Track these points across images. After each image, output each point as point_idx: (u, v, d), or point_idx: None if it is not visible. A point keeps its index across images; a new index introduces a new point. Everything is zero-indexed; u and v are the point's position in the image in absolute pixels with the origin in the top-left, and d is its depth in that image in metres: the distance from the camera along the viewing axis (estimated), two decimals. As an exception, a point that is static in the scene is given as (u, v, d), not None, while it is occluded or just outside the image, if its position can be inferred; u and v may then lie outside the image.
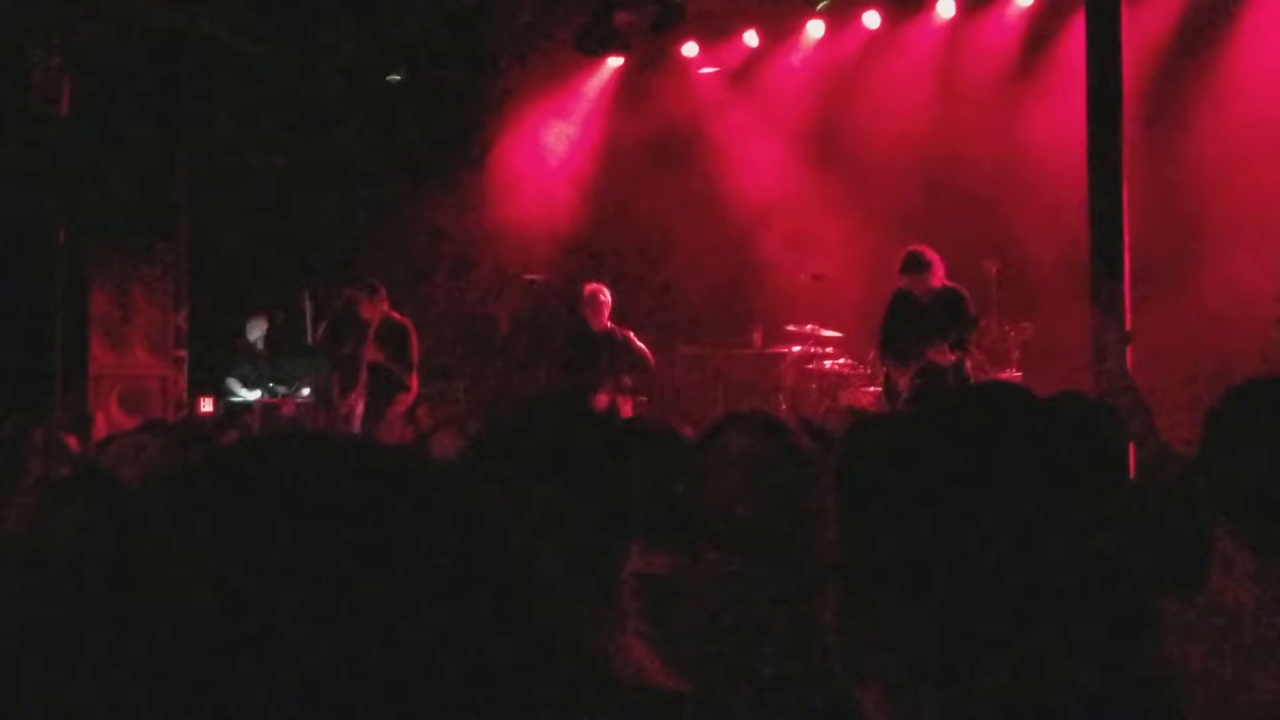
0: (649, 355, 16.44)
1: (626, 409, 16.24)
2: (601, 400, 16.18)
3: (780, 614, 4.07)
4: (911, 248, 14.44)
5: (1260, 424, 3.48)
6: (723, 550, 4.28)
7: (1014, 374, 15.55)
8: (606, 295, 16.43)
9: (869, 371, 16.97)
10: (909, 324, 14.47)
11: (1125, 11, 14.64)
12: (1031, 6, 17.60)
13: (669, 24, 17.51)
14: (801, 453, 4.47)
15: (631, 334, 16.54)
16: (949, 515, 2.01)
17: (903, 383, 14.62)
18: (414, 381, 17.09)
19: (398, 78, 18.83)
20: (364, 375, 16.94)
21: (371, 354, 16.83)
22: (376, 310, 16.97)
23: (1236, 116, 16.04)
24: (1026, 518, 1.98)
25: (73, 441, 11.25)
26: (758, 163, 19.27)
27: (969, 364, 14.89)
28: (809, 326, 17.05)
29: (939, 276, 14.39)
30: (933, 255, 14.37)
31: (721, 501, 4.35)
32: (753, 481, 4.33)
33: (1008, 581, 1.97)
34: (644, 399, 16.81)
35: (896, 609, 2.04)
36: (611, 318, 16.46)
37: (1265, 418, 3.49)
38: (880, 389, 16.48)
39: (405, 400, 17.06)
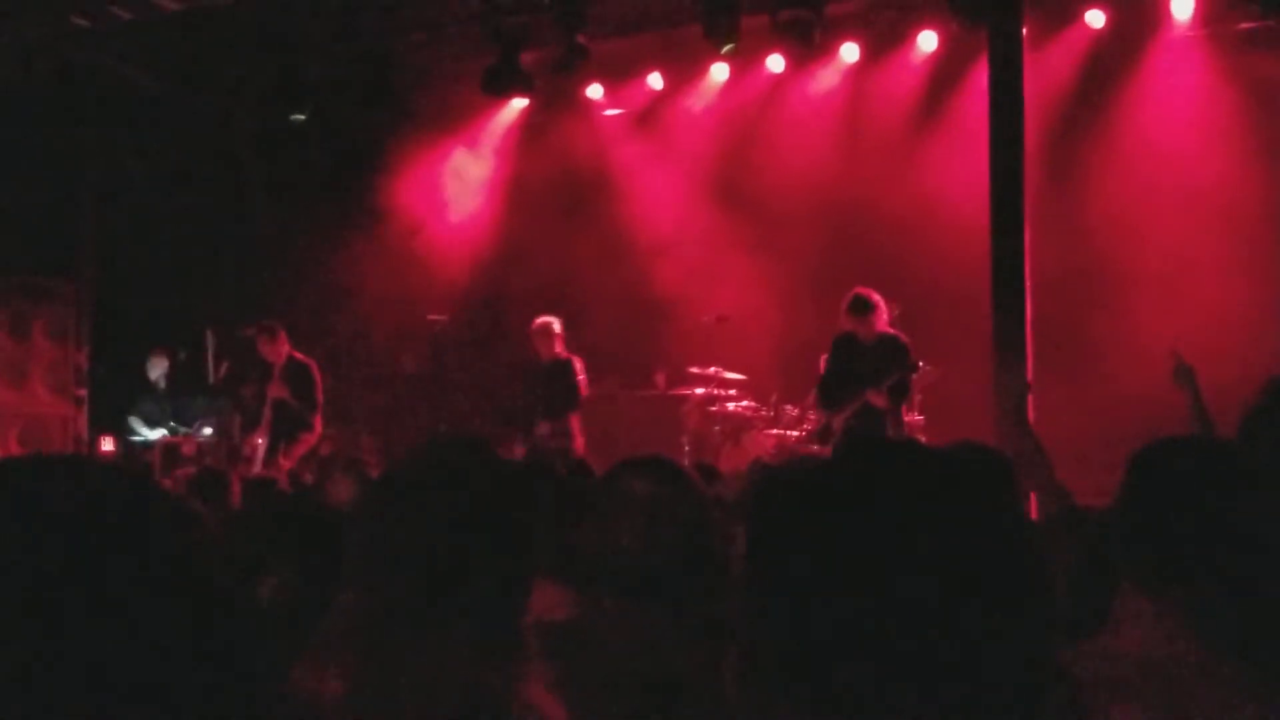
0: (579, 391, 16.65)
1: (579, 443, 16.39)
2: (543, 430, 16.48)
3: (683, 662, 4.07)
4: (857, 290, 14.40)
5: (1173, 482, 3.62)
6: (621, 597, 4.27)
7: (916, 417, 15.64)
8: (557, 327, 16.71)
9: (771, 414, 17.01)
10: (849, 366, 14.47)
11: (1028, 58, 14.79)
12: (935, 52, 17.73)
13: (573, 65, 17.52)
14: (700, 499, 4.47)
15: (577, 361, 16.73)
16: (848, 571, 2.02)
17: (836, 423, 14.64)
18: (317, 421, 17.01)
19: (302, 117, 18.73)
20: (267, 414, 16.84)
21: (275, 392, 16.74)
22: (278, 350, 16.88)
23: (1137, 165, 16.24)
24: (924, 571, 1.99)
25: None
26: (662, 204, 19.31)
27: (910, 414, 15.00)
28: (712, 369, 17.09)
29: (882, 321, 14.37)
30: (877, 299, 14.32)
31: (619, 547, 4.34)
32: (650, 527, 4.33)
33: (910, 636, 1.98)
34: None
35: (797, 663, 2.04)
36: (562, 349, 16.78)
37: (1178, 476, 3.64)
38: (786, 431, 16.56)
39: (308, 440, 16.97)
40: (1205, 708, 3.21)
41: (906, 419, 15.20)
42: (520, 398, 17.04)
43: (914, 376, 14.36)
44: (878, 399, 14.14)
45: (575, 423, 16.76)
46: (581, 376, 16.74)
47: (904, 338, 14.40)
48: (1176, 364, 7.27)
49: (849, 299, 14.37)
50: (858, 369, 14.33)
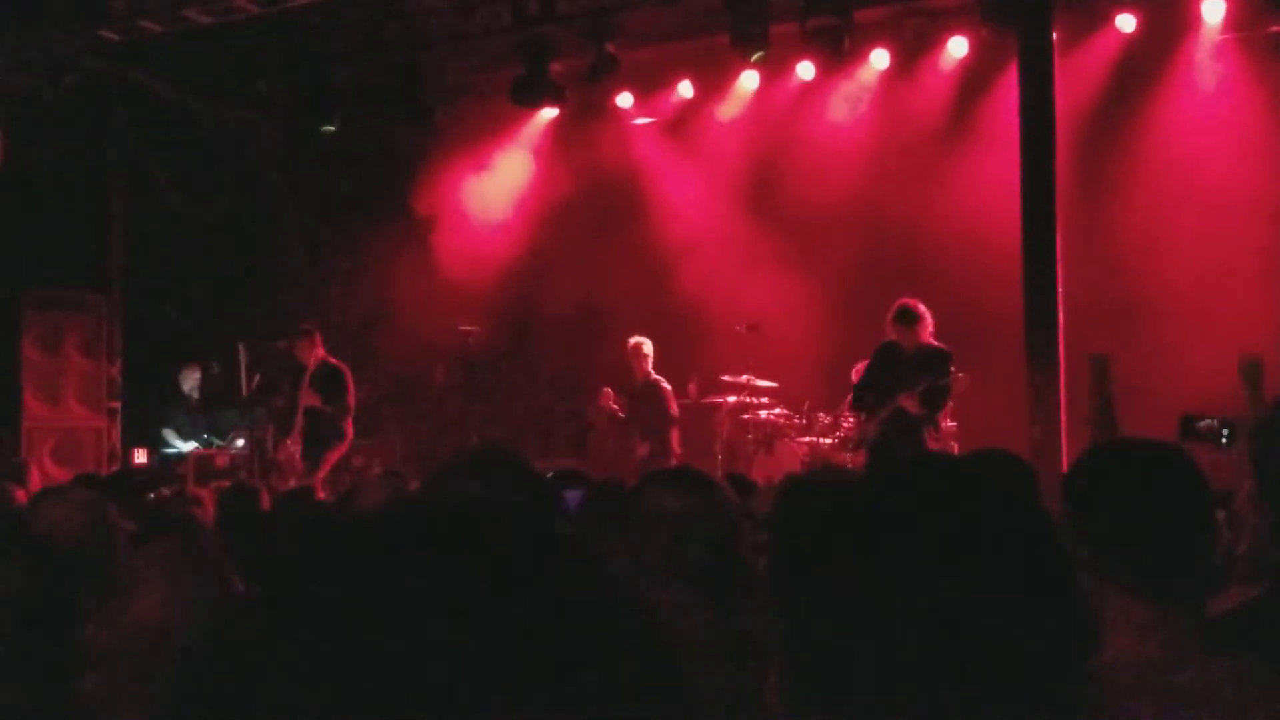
0: (669, 409, 17.06)
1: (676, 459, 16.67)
2: (642, 450, 16.89)
3: (718, 673, 4.05)
4: (903, 301, 14.39)
5: (1110, 484, 3.66)
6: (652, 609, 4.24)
7: (949, 424, 15.60)
8: (647, 348, 17.10)
9: (804, 422, 16.99)
10: (889, 374, 14.45)
11: (1058, 63, 14.73)
12: (965, 58, 17.67)
13: (603, 75, 17.53)
14: (729, 511, 4.45)
15: (665, 385, 17.11)
16: (875, 584, 2.01)
17: (870, 429, 14.64)
18: (349, 427, 17.01)
19: (332, 129, 18.76)
20: (299, 420, 16.84)
21: (308, 398, 16.73)
22: (312, 354, 16.88)
23: (1169, 169, 16.19)
24: (953, 582, 1.98)
25: (21, 494, 11.20)
26: (693, 213, 19.29)
27: (944, 421, 14.98)
28: (744, 377, 17.06)
29: (927, 332, 14.33)
30: (923, 310, 14.30)
31: (648, 557, 4.32)
32: (679, 540, 4.31)
33: (938, 651, 1.97)
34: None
35: (834, 674, 2.03)
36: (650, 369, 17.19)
37: (1113, 478, 3.68)
38: (819, 438, 16.56)
39: (340, 448, 16.98)
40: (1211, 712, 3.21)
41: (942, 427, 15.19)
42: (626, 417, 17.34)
43: (946, 384, 14.30)
44: (910, 403, 14.10)
45: (674, 440, 17.22)
46: (669, 394, 17.14)
47: (946, 349, 14.35)
48: (1243, 358, 7.21)
49: (895, 309, 14.36)
50: (897, 377, 14.31)
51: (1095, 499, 3.70)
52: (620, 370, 17.47)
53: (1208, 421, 6.95)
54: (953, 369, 14.36)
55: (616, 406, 17.30)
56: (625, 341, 17.46)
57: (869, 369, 14.83)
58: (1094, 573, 3.56)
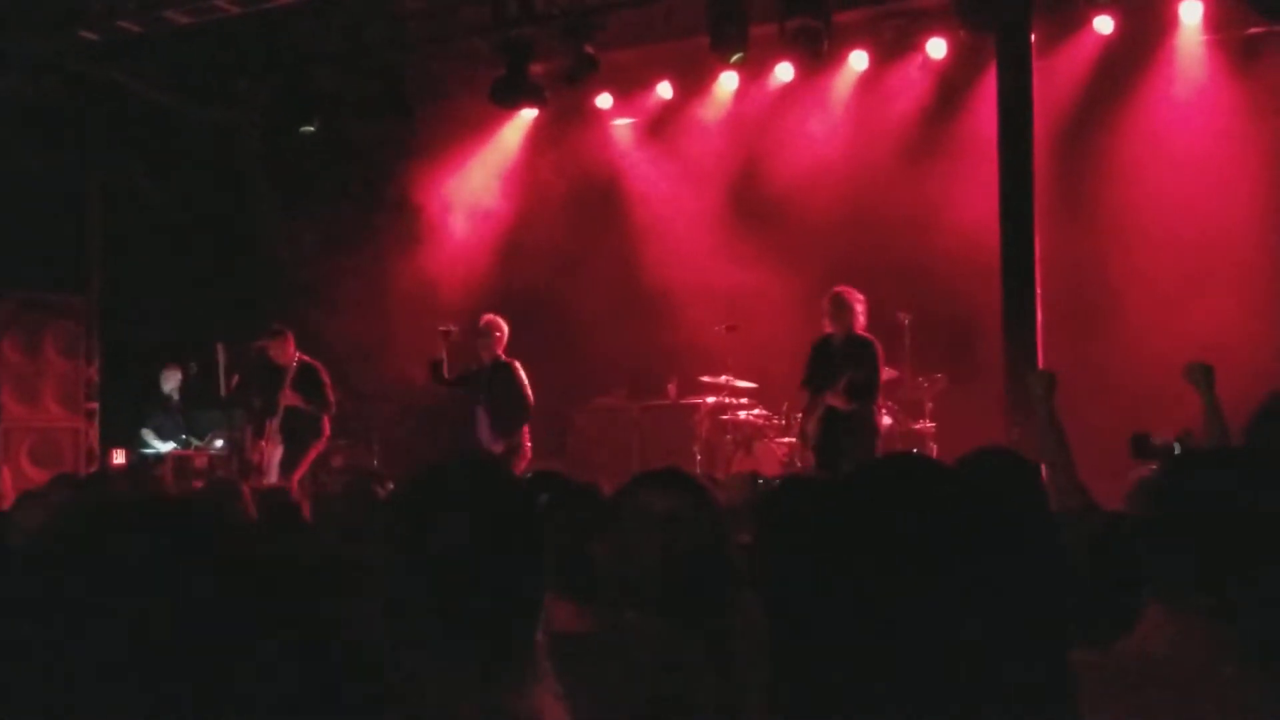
0: (524, 392, 16.24)
1: (498, 448, 16.00)
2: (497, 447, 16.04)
3: (702, 675, 4.06)
4: (834, 289, 14.35)
5: (1206, 497, 3.61)
6: (640, 610, 4.27)
7: (927, 425, 15.61)
8: (502, 328, 16.38)
9: (783, 422, 16.98)
10: (819, 368, 14.39)
11: (1037, 64, 14.75)
12: (944, 59, 17.68)
13: (583, 75, 17.51)
14: (717, 512, 4.45)
15: (517, 365, 16.34)
16: (865, 585, 2.02)
17: (810, 427, 14.57)
18: (326, 425, 16.99)
19: (311, 129, 18.72)
20: (276, 422, 16.78)
21: (289, 400, 16.68)
22: (288, 354, 16.83)
23: (1147, 171, 16.22)
24: (944, 586, 1.99)
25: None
26: (672, 214, 19.30)
27: (885, 417, 14.88)
28: (723, 378, 17.05)
29: (858, 323, 14.23)
30: (853, 300, 14.19)
31: (637, 561, 4.33)
32: (669, 542, 4.31)
33: (930, 646, 1.97)
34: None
35: (825, 675, 2.04)
36: (507, 352, 16.41)
37: (1210, 491, 3.62)
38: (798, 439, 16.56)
39: (318, 446, 16.95)
40: (1220, 714, 3.21)
41: (916, 426, 15.16)
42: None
43: (864, 374, 14.11)
44: (837, 400, 14.01)
45: (526, 435, 16.31)
46: (525, 381, 16.31)
47: (870, 339, 14.27)
48: (1188, 364, 7.21)
49: (827, 297, 14.32)
50: (827, 373, 14.22)
51: (1183, 503, 3.64)
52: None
53: (1162, 440, 6.98)
54: (879, 356, 14.25)
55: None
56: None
57: (807, 364, 14.70)
58: (1136, 573, 3.54)
